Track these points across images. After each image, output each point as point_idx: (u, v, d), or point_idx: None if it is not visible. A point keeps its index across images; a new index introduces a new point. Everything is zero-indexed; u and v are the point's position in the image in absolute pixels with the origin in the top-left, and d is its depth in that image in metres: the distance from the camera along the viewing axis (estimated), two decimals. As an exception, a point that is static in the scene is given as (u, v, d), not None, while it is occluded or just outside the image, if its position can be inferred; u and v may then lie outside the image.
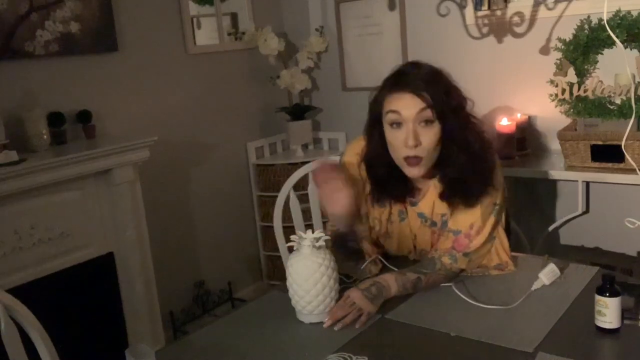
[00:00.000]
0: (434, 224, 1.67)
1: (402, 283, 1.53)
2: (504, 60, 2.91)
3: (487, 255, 1.63)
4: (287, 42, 3.43)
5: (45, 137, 2.41)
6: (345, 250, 1.58)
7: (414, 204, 1.67)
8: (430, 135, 1.50)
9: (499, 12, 2.86)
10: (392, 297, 1.51)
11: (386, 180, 1.62)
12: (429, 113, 1.49)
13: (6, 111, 2.36)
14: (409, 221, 1.70)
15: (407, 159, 1.53)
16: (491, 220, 1.60)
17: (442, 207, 1.62)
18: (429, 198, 1.64)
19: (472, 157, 1.54)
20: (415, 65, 1.57)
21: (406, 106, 1.49)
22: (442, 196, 1.60)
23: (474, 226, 1.58)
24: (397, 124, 1.51)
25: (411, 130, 1.49)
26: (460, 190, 1.56)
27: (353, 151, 1.72)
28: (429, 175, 1.60)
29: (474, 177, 1.55)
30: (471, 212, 1.58)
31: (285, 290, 1.51)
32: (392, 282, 1.52)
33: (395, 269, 1.63)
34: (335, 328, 1.41)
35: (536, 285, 1.52)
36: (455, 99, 1.54)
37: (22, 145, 2.33)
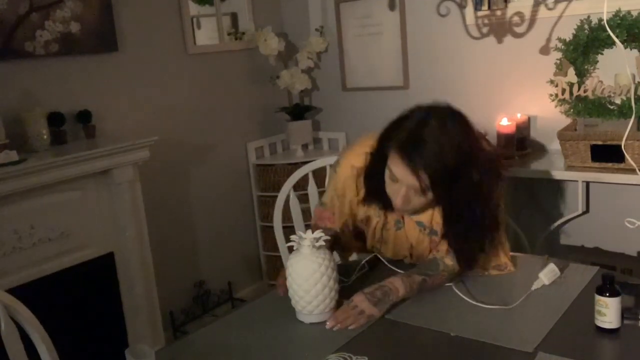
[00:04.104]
0: (433, 232, 1.66)
1: (409, 284, 1.52)
2: (504, 60, 2.91)
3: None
4: (287, 42, 3.43)
5: (45, 137, 2.41)
6: None
7: (412, 213, 1.66)
8: (422, 200, 1.51)
9: (499, 12, 2.86)
10: (400, 299, 1.51)
11: (381, 194, 1.60)
12: (424, 189, 1.47)
13: (6, 111, 2.35)
14: (405, 230, 1.69)
15: (395, 205, 1.55)
16: None
17: (440, 217, 1.62)
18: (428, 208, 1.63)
19: (479, 229, 1.52)
20: (429, 130, 1.43)
21: (403, 177, 1.47)
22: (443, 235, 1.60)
23: None
24: (394, 179, 1.51)
25: (403, 194, 1.49)
26: (463, 248, 1.56)
27: (348, 163, 1.70)
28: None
29: (477, 240, 1.55)
30: None
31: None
32: (399, 284, 1.51)
33: (395, 269, 1.63)
34: (335, 328, 1.42)
35: (536, 285, 1.52)
36: (464, 176, 1.46)
37: (22, 145, 2.33)
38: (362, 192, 1.66)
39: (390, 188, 1.54)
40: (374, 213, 1.69)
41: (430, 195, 1.48)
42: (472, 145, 1.47)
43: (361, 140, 1.71)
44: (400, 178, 1.48)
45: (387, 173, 1.53)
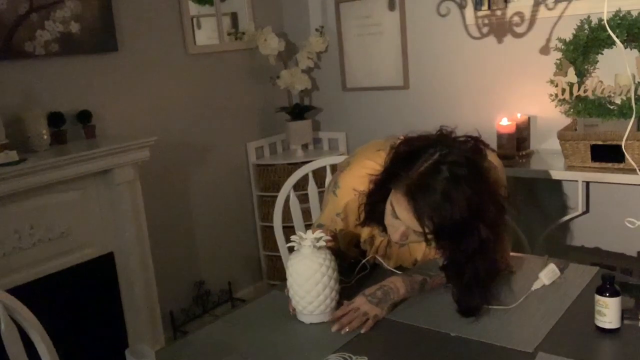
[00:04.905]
0: None
1: (410, 284, 1.52)
2: (504, 60, 2.91)
3: None
4: (287, 42, 3.43)
5: (45, 137, 2.41)
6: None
7: None
8: (421, 239, 1.44)
9: (499, 12, 2.86)
10: (402, 298, 1.51)
11: (381, 219, 1.55)
12: (426, 234, 1.39)
13: (6, 111, 2.35)
14: (409, 246, 1.66)
15: (392, 239, 1.51)
16: None
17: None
18: None
19: (479, 282, 1.43)
20: (440, 178, 1.34)
21: (406, 220, 1.41)
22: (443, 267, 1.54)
23: None
24: (395, 216, 1.46)
25: (402, 232, 1.45)
26: (464, 300, 1.46)
27: (349, 186, 1.64)
28: None
29: (480, 293, 1.45)
30: None
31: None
32: (399, 283, 1.51)
33: (395, 270, 1.63)
34: (342, 332, 1.40)
35: (536, 285, 1.52)
36: (471, 231, 1.38)
37: (22, 145, 2.33)
38: (362, 215, 1.61)
39: (390, 221, 1.48)
40: (378, 232, 1.65)
41: (430, 237, 1.40)
42: (484, 200, 1.37)
43: (359, 158, 1.66)
44: (403, 220, 1.42)
45: (388, 207, 1.47)
